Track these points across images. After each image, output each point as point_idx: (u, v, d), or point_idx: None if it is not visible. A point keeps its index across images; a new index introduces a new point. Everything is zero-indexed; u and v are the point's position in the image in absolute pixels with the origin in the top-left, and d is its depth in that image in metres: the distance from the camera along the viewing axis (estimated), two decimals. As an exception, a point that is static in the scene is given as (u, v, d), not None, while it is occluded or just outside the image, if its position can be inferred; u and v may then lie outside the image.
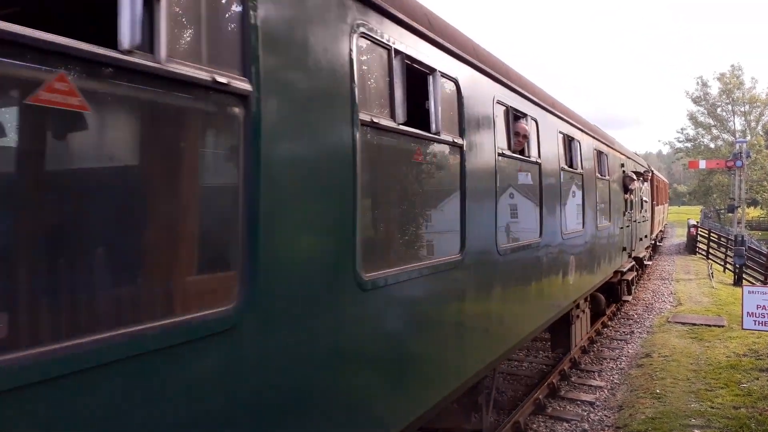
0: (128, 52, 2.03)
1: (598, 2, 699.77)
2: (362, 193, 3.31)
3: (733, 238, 25.93)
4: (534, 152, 6.74)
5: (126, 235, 2.39)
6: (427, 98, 4.20)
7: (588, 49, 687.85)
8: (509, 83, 5.89)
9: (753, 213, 70.69)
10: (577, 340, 10.18)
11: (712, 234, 33.11)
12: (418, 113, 4.09)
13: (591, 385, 9.37)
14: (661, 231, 34.98)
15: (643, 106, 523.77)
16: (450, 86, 4.61)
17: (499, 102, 5.55)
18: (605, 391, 9.10)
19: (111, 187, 2.42)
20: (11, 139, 2.59)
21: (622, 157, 14.17)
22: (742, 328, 9.98)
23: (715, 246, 32.00)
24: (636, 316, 14.98)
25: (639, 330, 13.30)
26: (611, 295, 13.62)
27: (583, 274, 9.42)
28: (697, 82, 63.43)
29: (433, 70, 4.23)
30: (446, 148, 4.69)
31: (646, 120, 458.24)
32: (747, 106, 60.88)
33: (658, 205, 26.73)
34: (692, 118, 64.03)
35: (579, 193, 9.32)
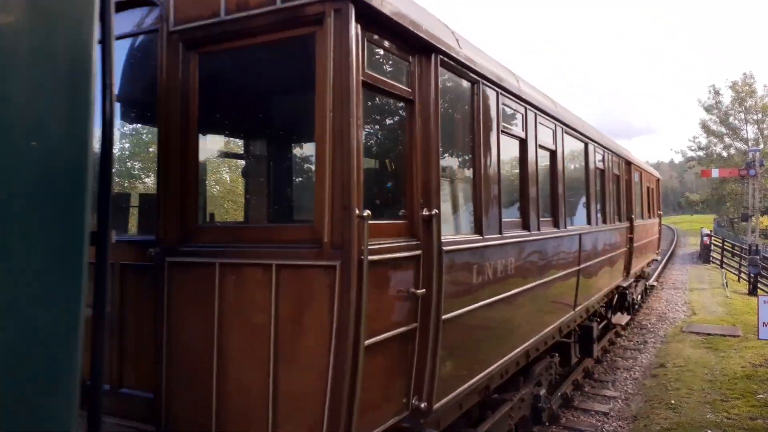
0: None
1: (613, 6, 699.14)
2: None
3: (747, 247, 25.69)
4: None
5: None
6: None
7: (599, 53, 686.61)
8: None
9: (767, 222, 69.97)
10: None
11: (725, 243, 32.79)
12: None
13: (605, 396, 9.28)
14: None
15: (658, 114, 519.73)
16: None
17: None
18: (619, 401, 9.02)
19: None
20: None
21: None
22: (758, 338, 9.81)
23: (729, 255, 31.68)
24: (650, 325, 14.85)
25: (653, 340, 13.18)
26: None
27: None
28: (710, 91, 62.94)
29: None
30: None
31: (660, 128, 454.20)
32: (760, 115, 60.24)
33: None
34: (704, 126, 63.53)
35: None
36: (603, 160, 10.23)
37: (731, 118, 62.07)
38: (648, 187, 16.71)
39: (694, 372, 10.03)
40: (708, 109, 62.86)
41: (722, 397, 8.62)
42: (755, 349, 11.34)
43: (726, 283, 22.96)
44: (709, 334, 13.12)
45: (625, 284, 12.34)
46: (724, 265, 29.90)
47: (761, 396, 8.60)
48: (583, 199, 9.09)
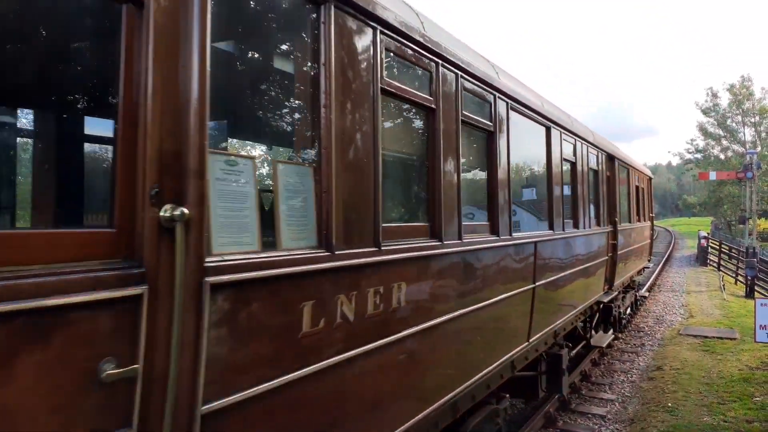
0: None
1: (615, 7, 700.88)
2: None
3: (744, 250, 25.73)
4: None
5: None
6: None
7: (585, 45, 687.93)
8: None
9: (764, 224, 70.03)
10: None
11: (723, 245, 32.86)
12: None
13: (602, 398, 9.29)
14: None
15: (657, 114, 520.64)
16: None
17: None
18: (616, 404, 9.03)
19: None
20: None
21: None
22: (755, 341, 9.83)
23: (726, 258, 31.73)
24: (647, 328, 14.86)
25: (650, 342, 13.18)
26: None
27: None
28: (707, 93, 63.24)
29: None
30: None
31: (660, 129, 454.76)
32: (757, 117, 60.48)
33: None
34: (702, 129, 63.78)
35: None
36: (574, 151, 8.48)
37: (729, 121, 62.37)
38: (638, 187, 14.73)
39: (691, 375, 10.04)
40: (705, 112, 63.18)
41: (719, 400, 8.62)
42: (752, 351, 11.35)
43: (723, 285, 22.98)
44: (706, 337, 13.12)
45: (606, 299, 10.81)
46: (721, 268, 29.94)
47: (758, 399, 8.59)
48: (543, 198, 7.36)
